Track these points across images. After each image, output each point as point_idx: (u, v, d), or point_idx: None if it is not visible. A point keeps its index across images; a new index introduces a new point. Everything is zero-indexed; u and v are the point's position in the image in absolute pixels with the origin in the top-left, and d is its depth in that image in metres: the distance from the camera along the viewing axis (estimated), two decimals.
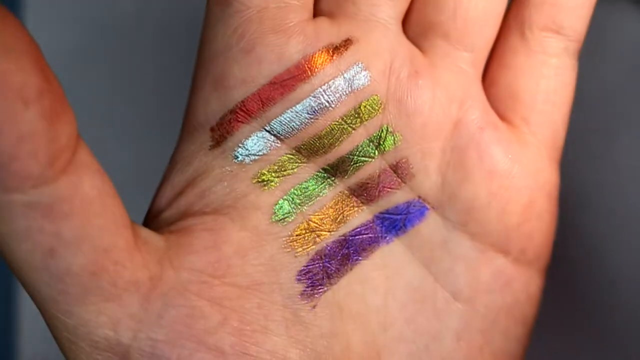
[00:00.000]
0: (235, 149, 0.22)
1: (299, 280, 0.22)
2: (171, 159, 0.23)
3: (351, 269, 0.23)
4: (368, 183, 0.23)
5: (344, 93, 0.23)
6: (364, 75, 0.23)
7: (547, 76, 0.24)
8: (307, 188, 0.23)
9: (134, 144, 0.44)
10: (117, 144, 0.44)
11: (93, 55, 0.45)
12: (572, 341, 0.40)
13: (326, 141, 0.23)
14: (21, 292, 0.46)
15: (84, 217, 0.20)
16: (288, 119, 0.22)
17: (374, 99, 0.23)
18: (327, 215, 0.23)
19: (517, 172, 0.24)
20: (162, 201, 0.23)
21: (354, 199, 0.23)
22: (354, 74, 0.23)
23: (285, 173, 0.23)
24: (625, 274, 0.40)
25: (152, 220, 0.23)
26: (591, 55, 0.39)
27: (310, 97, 0.22)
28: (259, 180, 0.22)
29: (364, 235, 0.24)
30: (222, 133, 0.22)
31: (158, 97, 0.43)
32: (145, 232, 0.21)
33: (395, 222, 0.24)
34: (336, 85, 0.23)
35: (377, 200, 0.24)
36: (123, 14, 0.44)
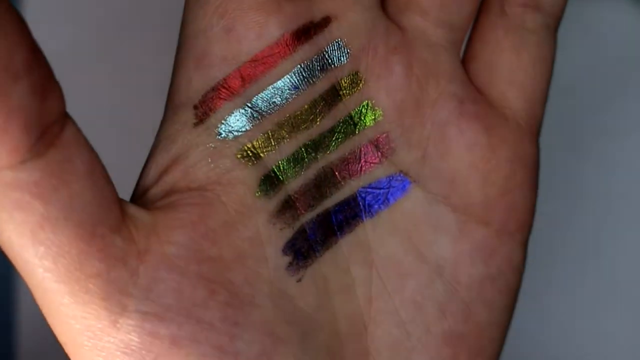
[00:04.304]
0: (218, 125, 0.23)
1: (284, 253, 0.23)
2: (155, 139, 0.23)
3: (335, 243, 0.24)
4: (349, 158, 0.24)
5: (324, 70, 0.23)
6: (343, 52, 0.23)
7: (527, 51, 0.25)
8: (289, 163, 0.23)
9: (133, 143, 0.45)
10: (117, 143, 0.44)
11: (93, 55, 0.45)
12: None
13: (307, 117, 0.23)
14: (21, 293, 0.46)
15: (73, 192, 0.20)
16: (269, 95, 0.23)
17: (354, 75, 0.23)
18: (310, 190, 0.24)
19: (496, 144, 0.24)
20: (147, 180, 0.23)
21: (337, 174, 0.24)
22: (333, 51, 0.23)
23: (268, 148, 0.23)
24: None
25: (139, 199, 0.23)
26: (592, 54, 0.40)
27: (291, 74, 0.23)
28: (243, 155, 0.23)
29: (347, 210, 0.24)
30: (205, 110, 0.23)
31: (158, 96, 0.43)
32: (133, 208, 0.22)
33: (377, 197, 0.24)
34: (316, 62, 0.23)
35: (359, 175, 0.24)
36: (122, 13, 0.45)
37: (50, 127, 0.19)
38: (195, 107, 0.23)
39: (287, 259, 0.23)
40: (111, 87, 0.45)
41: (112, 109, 0.45)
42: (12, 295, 0.46)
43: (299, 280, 0.23)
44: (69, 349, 0.21)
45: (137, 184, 0.23)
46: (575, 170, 0.41)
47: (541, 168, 0.40)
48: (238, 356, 0.21)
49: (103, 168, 0.21)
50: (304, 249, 0.23)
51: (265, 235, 0.23)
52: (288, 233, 0.23)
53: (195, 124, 0.23)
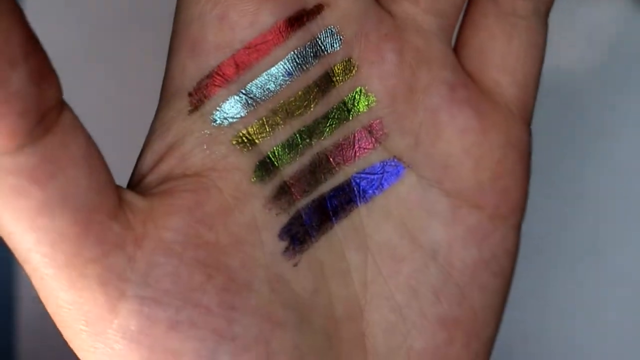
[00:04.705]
0: (213, 112, 0.23)
1: (281, 238, 0.23)
2: (151, 126, 0.24)
3: (331, 228, 0.24)
4: (344, 144, 0.24)
5: (317, 56, 0.23)
6: (336, 39, 0.24)
7: (518, 37, 0.25)
8: (284, 149, 0.24)
9: (133, 142, 0.45)
10: (116, 141, 0.45)
11: (93, 55, 0.45)
12: None
13: (301, 103, 0.24)
14: (21, 293, 0.46)
15: (70, 178, 0.20)
16: (263, 82, 0.23)
17: (347, 62, 0.24)
18: (305, 176, 0.24)
19: (488, 129, 0.24)
20: (143, 167, 0.23)
21: (331, 159, 0.24)
22: (326, 38, 0.23)
23: (262, 135, 0.23)
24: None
25: (135, 186, 0.23)
26: (592, 54, 0.40)
27: (284, 61, 0.23)
28: (238, 142, 0.23)
29: (342, 195, 0.24)
30: (200, 97, 0.23)
31: (158, 94, 0.44)
32: (130, 195, 0.22)
33: (372, 182, 0.24)
34: (309, 49, 0.23)
35: (354, 160, 0.24)
36: (122, 13, 0.45)
37: (48, 113, 0.20)
38: (190, 95, 0.23)
39: (283, 244, 0.23)
40: (111, 87, 0.45)
41: (112, 108, 0.45)
42: (12, 296, 0.46)
43: (295, 265, 0.23)
44: (67, 334, 0.22)
45: (133, 172, 0.24)
46: (575, 169, 0.41)
47: (541, 167, 0.41)
48: (235, 340, 0.22)
49: (100, 154, 0.21)
50: (300, 234, 0.23)
51: (261, 220, 0.23)
52: (284, 218, 0.23)
53: (190, 111, 0.23)
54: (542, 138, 0.41)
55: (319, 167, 0.24)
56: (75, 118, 0.21)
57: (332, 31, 0.24)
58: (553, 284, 0.41)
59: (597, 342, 0.40)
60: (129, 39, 0.45)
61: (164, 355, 0.21)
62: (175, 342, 0.21)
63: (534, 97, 0.26)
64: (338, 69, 0.24)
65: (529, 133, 0.25)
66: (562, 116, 0.41)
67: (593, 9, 0.39)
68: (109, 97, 0.46)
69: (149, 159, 0.23)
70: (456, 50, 0.25)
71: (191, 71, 0.23)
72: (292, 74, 0.23)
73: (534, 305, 0.41)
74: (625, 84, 0.40)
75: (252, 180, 0.23)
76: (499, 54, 0.25)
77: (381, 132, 0.24)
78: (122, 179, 0.23)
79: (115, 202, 0.21)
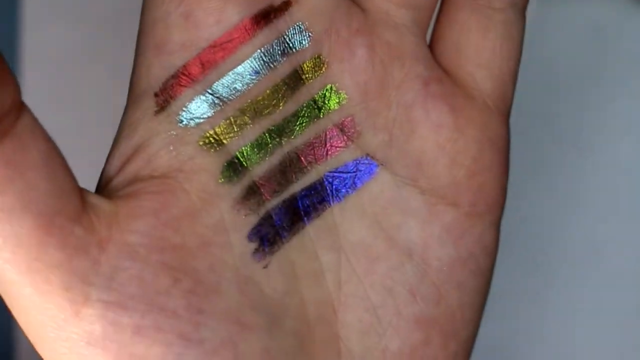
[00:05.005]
0: (180, 113, 0.23)
1: (250, 240, 0.23)
2: (119, 128, 0.23)
3: (303, 228, 0.24)
4: (315, 142, 0.24)
5: (286, 54, 0.23)
6: (304, 36, 0.23)
7: (494, 30, 0.24)
8: (253, 149, 0.23)
9: None
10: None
11: (93, 55, 0.45)
12: None
13: (270, 102, 0.23)
14: None
15: (30, 182, 0.20)
16: (230, 81, 0.23)
17: (316, 59, 0.23)
18: (275, 176, 0.23)
19: (463, 125, 0.24)
20: (111, 169, 0.23)
21: (302, 158, 0.24)
22: (294, 35, 0.23)
23: (230, 135, 0.23)
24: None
25: (103, 189, 0.23)
26: (592, 54, 0.39)
27: (251, 59, 0.23)
28: (205, 142, 0.23)
29: (314, 195, 0.24)
30: (166, 98, 0.23)
31: None
32: (94, 198, 0.22)
33: (345, 181, 0.24)
34: (276, 46, 0.23)
35: (326, 159, 0.24)
36: (122, 13, 0.45)
37: (5, 116, 0.19)
38: (156, 95, 0.23)
39: (252, 246, 0.23)
40: (111, 87, 0.45)
41: (112, 108, 0.45)
42: None
43: (266, 267, 0.23)
44: (33, 340, 0.21)
45: (101, 174, 0.23)
46: (575, 169, 0.41)
47: (541, 167, 0.40)
48: (203, 344, 0.21)
49: (61, 158, 0.21)
50: (270, 235, 0.23)
51: (229, 221, 0.23)
52: (253, 219, 0.23)
53: (157, 112, 0.23)
54: (541, 138, 0.40)
55: (290, 167, 0.24)
56: (35, 121, 0.20)
57: (300, 28, 0.23)
58: (553, 284, 0.40)
59: (597, 342, 0.40)
60: (129, 38, 0.45)
61: None
62: (141, 347, 0.21)
63: (512, 91, 0.25)
64: (307, 66, 0.23)
65: (507, 128, 0.25)
66: (562, 116, 0.41)
67: (593, 9, 0.39)
68: (108, 97, 0.46)
69: (116, 161, 0.23)
70: (432, 45, 0.25)
71: (157, 71, 0.23)
72: (259, 72, 0.23)
73: (534, 305, 0.41)
74: (625, 84, 0.40)
75: (220, 181, 0.23)
76: (474, 47, 0.24)
77: (353, 130, 0.24)
78: None
79: (78, 205, 0.21)
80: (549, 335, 0.41)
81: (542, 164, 0.41)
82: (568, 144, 0.40)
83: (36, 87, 0.43)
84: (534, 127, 0.39)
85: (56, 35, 0.42)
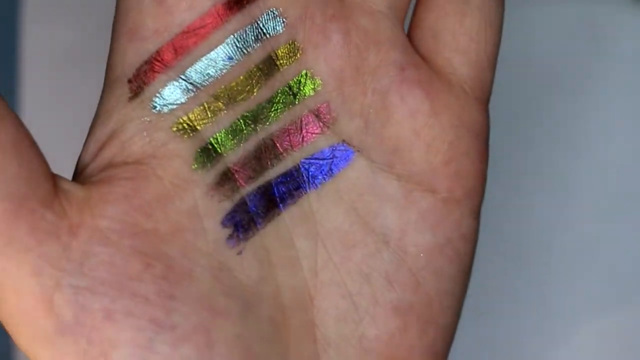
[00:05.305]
0: (153, 99, 0.23)
1: (224, 226, 0.23)
2: (95, 114, 0.23)
3: (278, 215, 0.24)
4: (290, 129, 0.24)
5: (259, 40, 0.23)
6: (278, 22, 0.23)
7: (470, 15, 0.24)
8: (227, 135, 0.23)
9: None
10: None
11: (93, 55, 0.45)
12: None
13: (244, 88, 0.23)
14: None
15: None
16: (203, 67, 0.23)
17: (291, 45, 0.23)
18: (250, 162, 0.23)
19: (439, 111, 0.24)
20: (87, 156, 0.23)
21: (278, 145, 0.24)
22: (268, 21, 0.23)
23: (204, 121, 0.23)
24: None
25: (79, 175, 0.23)
26: (592, 53, 0.39)
27: (224, 45, 0.23)
28: (178, 128, 0.23)
29: (290, 181, 0.24)
30: (139, 84, 0.23)
31: None
32: (67, 184, 0.22)
33: (321, 167, 0.24)
34: (250, 32, 0.23)
35: (301, 145, 0.24)
36: None
37: None
38: (130, 81, 0.23)
39: (226, 232, 0.23)
40: None
41: None
42: None
43: (240, 253, 0.23)
44: (8, 328, 0.22)
45: (78, 160, 0.23)
46: (574, 169, 0.40)
47: (540, 167, 0.40)
48: (174, 329, 0.21)
49: (32, 142, 0.21)
50: (244, 221, 0.23)
51: (203, 208, 0.23)
52: (227, 205, 0.23)
53: (130, 98, 0.23)
54: (539, 137, 0.40)
55: (265, 153, 0.23)
56: (4, 107, 0.21)
57: (274, 13, 0.23)
58: (551, 284, 0.40)
59: (596, 342, 0.40)
60: None
61: (101, 346, 0.21)
62: (111, 332, 0.21)
63: (491, 77, 0.25)
64: (282, 52, 0.23)
65: (486, 114, 0.25)
66: (562, 116, 0.40)
67: (593, 9, 0.39)
68: None
69: (92, 147, 0.23)
70: (410, 31, 0.25)
71: (130, 57, 0.23)
72: (232, 58, 0.23)
73: (533, 305, 0.41)
74: (624, 84, 0.40)
75: (193, 167, 0.23)
76: (450, 33, 0.24)
77: (329, 116, 0.24)
78: None
79: (50, 190, 0.21)
80: (549, 335, 0.40)
81: (542, 164, 0.40)
82: (566, 143, 0.39)
83: (36, 87, 0.43)
84: (532, 126, 0.38)
85: (56, 35, 0.43)
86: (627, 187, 0.40)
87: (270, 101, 0.23)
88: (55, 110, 0.41)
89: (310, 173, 0.24)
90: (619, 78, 0.40)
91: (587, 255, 0.40)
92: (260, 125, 0.23)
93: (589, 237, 0.40)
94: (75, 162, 0.23)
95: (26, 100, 0.43)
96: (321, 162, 0.24)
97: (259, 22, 0.23)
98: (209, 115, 0.23)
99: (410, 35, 0.25)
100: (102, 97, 0.23)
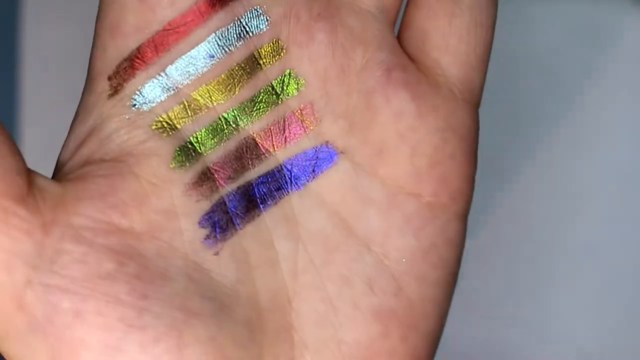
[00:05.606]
0: (133, 96, 0.22)
1: (201, 226, 0.22)
2: (76, 111, 0.23)
3: (258, 216, 0.23)
4: (273, 129, 0.23)
5: (241, 38, 0.23)
6: (262, 20, 0.23)
7: (460, 16, 0.24)
8: (207, 134, 0.23)
9: None
10: None
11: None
12: None
13: (225, 87, 0.23)
14: None
15: None
16: (184, 64, 0.22)
17: (275, 44, 0.23)
18: (230, 162, 0.23)
19: (425, 113, 0.23)
20: (66, 153, 0.23)
21: (260, 145, 0.23)
22: (251, 19, 0.23)
23: (184, 119, 0.23)
24: None
25: (57, 173, 0.23)
26: (592, 53, 0.39)
27: (205, 43, 0.22)
28: (158, 127, 0.22)
29: (272, 182, 0.23)
30: (119, 81, 0.22)
31: None
32: (42, 180, 0.22)
33: (304, 169, 0.23)
34: (232, 30, 0.22)
35: (284, 146, 0.23)
36: None
37: None
38: (110, 78, 0.22)
39: (203, 232, 0.22)
40: None
41: None
42: None
43: (217, 254, 0.22)
44: None
45: (58, 158, 0.23)
46: (573, 169, 0.40)
47: (540, 167, 0.40)
48: (146, 330, 0.21)
49: (6, 138, 0.21)
50: (223, 221, 0.23)
51: (180, 207, 0.22)
52: (205, 205, 0.22)
53: (110, 95, 0.22)
54: (541, 138, 0.40)
55: (246, 153, 0.23)
56: None
57: (257, 12, 0.23)
58: (551, 284, 0.40)
59: (595, 342, 0.39)
60: None
61: (71, 345, 0.21)
62: (81, 332, 0.21)
63: (481, 79, 0.24)
64: (265, 51, 0.23)
65: (475, 116, 0.24)
66: (562, 116, 0.40)
67: (593, 9, 0.39)
68: None
69: (71, 145, 0.23)
70: (400, 31, 0.24)
71: (111, 53, 0.22)
72: (214, 56, 0.22)
73: (533, 304, 0.40)
74: (624, 84, 0.39)
75: (171, 165, 0.22)
76: (440, 33, 0.24)
77: (312, 117, 0.23)
78: None
79: (23, 186, 0.21)
80: (549, 335, 0.40)
81: (542, 164, 0.40)
82: (566, 144, 0.39)
83: (36, 87, 0.43)
84: (532, 127, 0.38)
85: (56, 35, 0.43)
86: (627, 187, 0.40)
87: (253, 100, 0.23)
88: (55, 110, 0.41)
89: (292, 174, 0.23)
90: (619, 78, 0.39)
91: (587, 256, 0.40)
92: (242, 125, 0.23)
93: (589, 237, 0.39)
94: None
95: (26, 100, 0.43)
96: (304, 163, 0.23)
97: (241, 19, 0.23)
98: (189, 114, 0.23)
99: (399, 36, 0.24)
100: (82, 94, 0.23)
